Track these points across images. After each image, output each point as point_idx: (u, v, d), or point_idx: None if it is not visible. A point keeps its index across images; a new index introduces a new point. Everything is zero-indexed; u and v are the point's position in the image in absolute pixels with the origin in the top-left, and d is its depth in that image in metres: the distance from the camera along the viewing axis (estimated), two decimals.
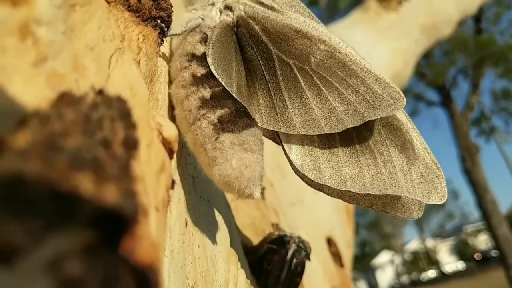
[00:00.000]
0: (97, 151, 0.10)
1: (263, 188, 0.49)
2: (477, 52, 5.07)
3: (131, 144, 0.12)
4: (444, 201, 0.26)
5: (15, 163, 0.08)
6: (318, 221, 0.65)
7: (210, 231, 0.28)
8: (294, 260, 0.36)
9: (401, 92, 0.25)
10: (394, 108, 0.25)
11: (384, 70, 1.53)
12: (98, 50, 0.16)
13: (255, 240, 0.40)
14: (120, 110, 0.12)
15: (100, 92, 0.12)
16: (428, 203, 0.26)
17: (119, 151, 0.11)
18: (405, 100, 0.24)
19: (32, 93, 0.11)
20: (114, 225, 0.10)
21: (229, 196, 0.40)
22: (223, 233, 0.30)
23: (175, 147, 0.19)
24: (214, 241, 0.28)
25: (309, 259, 0.37)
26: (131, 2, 0.19)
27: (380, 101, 0.24)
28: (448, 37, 2.30)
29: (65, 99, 0.11)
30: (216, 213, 0.30)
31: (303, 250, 0.36)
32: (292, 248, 0.36)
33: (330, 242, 0.65)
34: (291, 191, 0.63)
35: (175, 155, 0.23)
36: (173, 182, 0.19)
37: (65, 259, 0.08)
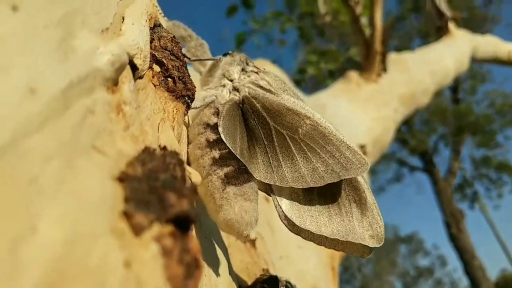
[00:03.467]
0: (175, 181, 0.17)
1: (255, 238, 0.55)
2: (455, 120, 5.27)
3: (185, 180, 0.19)
4: (381, 245, 0.33)
5: (135, 185, 0.15)
6: (303, 273, 0.70)
7: (213, 265, 0.34)
8: None
9: (366, 158, 0.32)
10: (362, 171, 0.32)
11: (365, 136, 1.63)
12: (152, 119, 0.23)
13: (249, 282, 0.45)
14: (178, 159, 0.19)
15: (164, 148, 0.19)
16: (372, 246, 0.33)
17: (183, 183, 0.18)
18: (368, 165, 0.32)
19: (127, 146, 0.18)
20: (181, 225, 0.16)
21: (225, 243, 0.46)
22: (223, 267, 0.36)
23: (198, 190, 0.26)
24: (217, 273, 0.34)
25: None
26: (169, 85, 0.27)
27: (351, 164, 0.32)
28: (426, 105, 2.44)
29: (147, 151, 0.18)
30: (219, 251, 0.36)
31: None
32: (282, 287, 0.41)
33: None
34: (279, 245, 0.69)
35: None
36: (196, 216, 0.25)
37: (162, 236, 0.15)
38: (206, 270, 0.32)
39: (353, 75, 1.82)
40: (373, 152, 1.75)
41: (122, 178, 0.15)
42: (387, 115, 1.85)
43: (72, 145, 0.14)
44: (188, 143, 0.32)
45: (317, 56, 2.09)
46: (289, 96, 0.34)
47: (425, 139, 5.60)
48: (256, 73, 0.35)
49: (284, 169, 0.32)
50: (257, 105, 0.33)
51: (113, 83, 0.20)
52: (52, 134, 0.13)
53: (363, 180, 0.35)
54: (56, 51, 0.15)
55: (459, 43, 2.50)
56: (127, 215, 0.14)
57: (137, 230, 0.14)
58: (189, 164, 0.32)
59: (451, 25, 2.53)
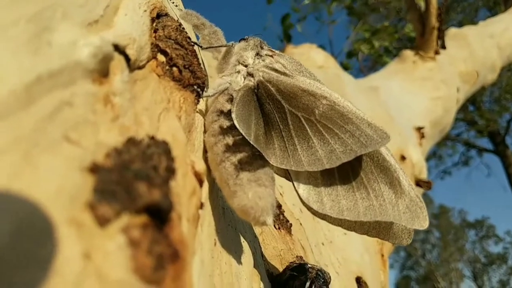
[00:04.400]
0: (150, 172, 0.16)
1: (290, 224, 0.54)
2: None
3: (170, 170, 0.19)
4: (426, 227, 0.31)
5: (106, 176, 0.15)
6: (348, 261, 0.68)
7: (236, 252, 0.34)
8: (313, 287, 0.40)
9: (387, 132, 0.31)
10: (382, 144, 0.31)
11: (423, 118, 1.55)
12: (151, 110, 0.23)
13: (281, 269, 0.45)
14: (164, 148, 0.19)
15: (152, 137, 0.19)
16: (412, 227, 0.32)
17: (163, 173, 0.18)
18: (390, 137, 0.30)
19: (111, 137, 0.18)
20: (158, 216, 0.16)
21: (257, 230, 0.46)
22: (247, 255, 0.35)
23: (204, 178, 0.25)
24: (239, 261, 0.34)
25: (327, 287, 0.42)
26: (174, 74, 0.27)
27: (371, 141, 0.30)
28: (495, 82, 2.26)
29: (130, 141, 0.18)
30: (242, 239, 0.36)
31: (322, 278, 0.41)
32: (311, 275, 0.41)
33: (360, 281, 0.68)
34: (320, 231, 0.68)
35: (207, 187, 0.30)
36: (201, 204, 0.25)
37: (131, 227, 0.15)
38: (227, 258, 0.32)
39: (408, 53, 1.74)
40: (432, 134, 1.67)
41: (94, 169, 0.15)
42: (447, 95, 1.74)
43: (34, 138, 0.14)
44: (205, 132, 0.32)
45: (369, 34, 2.01)
46: (304, 78, 0.32)
47: (496, 119, 5.24)
48: (271, 56, 0.34)
49: (300, 152, 0.31)
50: (272, 88, 0.32)
51: (101, 74, 0.20)
52: (6, 129, 0.13)
53: (394, 160, 0.33)
54: (23, 46, 0.15)
55: None
56: (91, 206, 0.14)
57: (102, 221, 0.14)
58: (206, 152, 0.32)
59: None
